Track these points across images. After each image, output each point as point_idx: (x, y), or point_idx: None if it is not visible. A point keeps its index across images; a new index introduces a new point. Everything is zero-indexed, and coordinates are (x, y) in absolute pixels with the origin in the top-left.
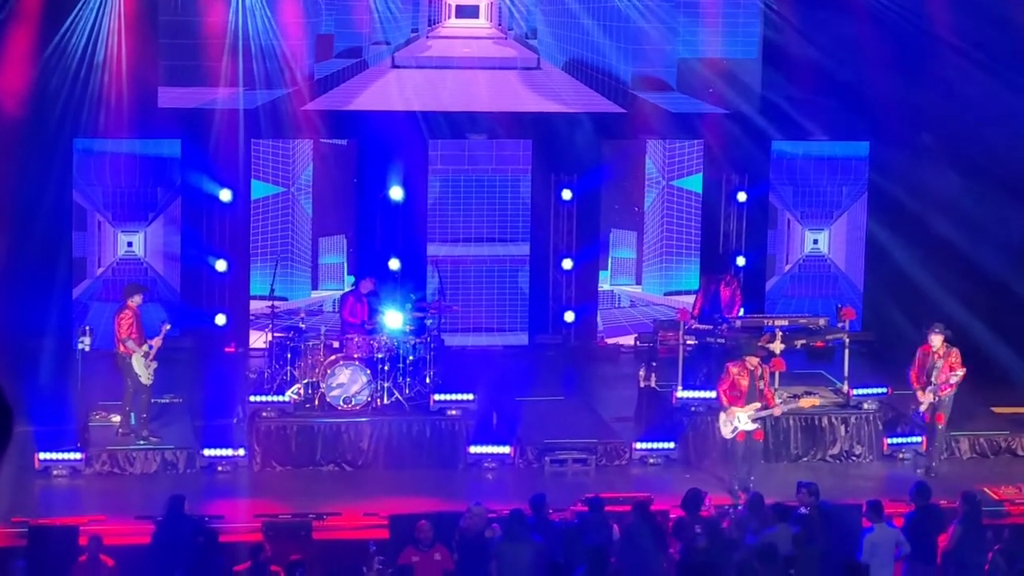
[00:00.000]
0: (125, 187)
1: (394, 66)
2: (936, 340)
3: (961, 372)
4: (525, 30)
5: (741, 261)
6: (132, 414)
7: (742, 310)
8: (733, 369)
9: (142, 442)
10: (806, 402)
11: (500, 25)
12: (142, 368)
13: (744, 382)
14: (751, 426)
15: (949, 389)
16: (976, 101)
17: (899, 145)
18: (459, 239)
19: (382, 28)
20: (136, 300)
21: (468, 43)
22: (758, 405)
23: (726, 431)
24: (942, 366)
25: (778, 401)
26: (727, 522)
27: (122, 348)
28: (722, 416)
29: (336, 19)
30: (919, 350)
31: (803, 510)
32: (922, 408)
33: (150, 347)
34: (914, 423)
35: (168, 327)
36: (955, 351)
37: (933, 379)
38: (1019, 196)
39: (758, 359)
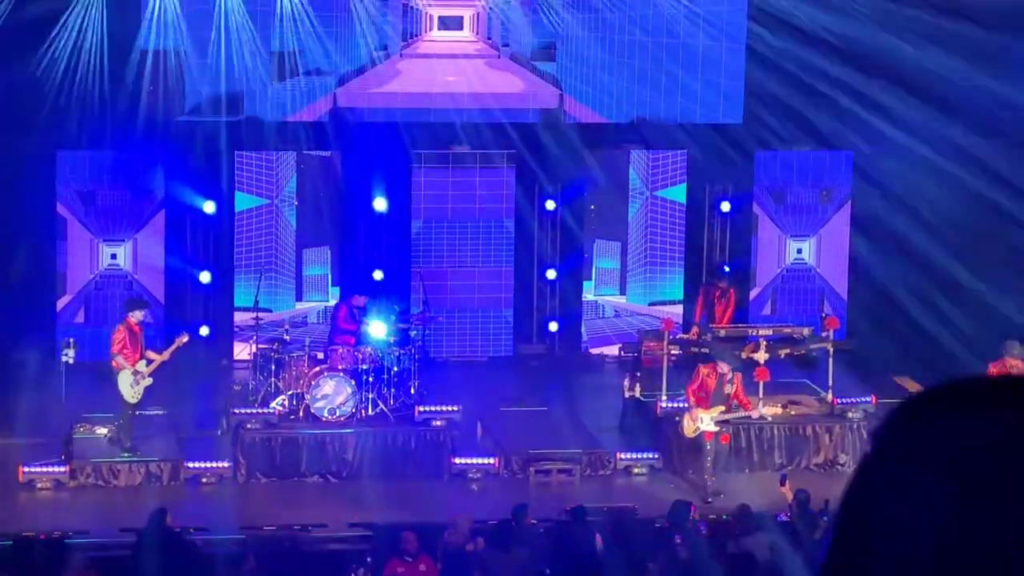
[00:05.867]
0: (109, 199)
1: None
2: (1014, 357)
3: None
4: (532, 47)
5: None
6: (116, 426)
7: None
8: (703, 370)
9: (126, 454)
10: (769, 410)
11: (490, 40)
12: (126, 387)
13: (711, 383)
14: (713, 427)
15: None
16: (961, 109)
17: (883, 154)
18: (443, 264)
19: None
20: (136, 316)
21: (453, 65)
22: (722, 408)
23: (688, 430)
24: None
25: (760, 407)
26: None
27: (113, 363)
28: (686, 416)
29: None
30: (992, 366)
31: (783, 516)
32: None
33: (149, 362)
34: None
35: (184, 340)
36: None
37: None
38: (1003, 207)
39: (729, 367)
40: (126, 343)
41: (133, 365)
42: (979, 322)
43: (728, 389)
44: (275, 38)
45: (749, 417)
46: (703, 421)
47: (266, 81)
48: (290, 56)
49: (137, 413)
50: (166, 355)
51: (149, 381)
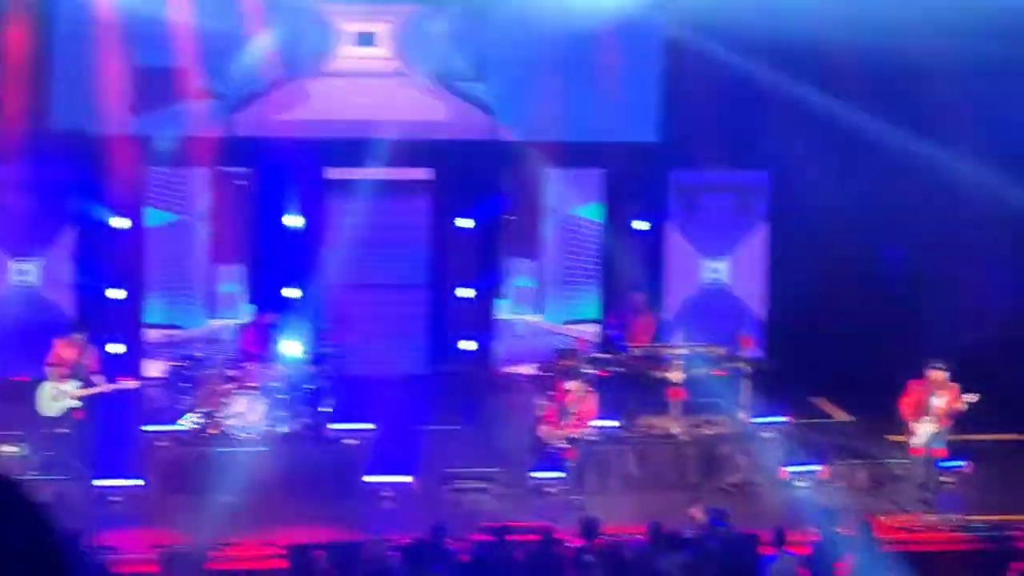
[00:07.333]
0: (18, 215)
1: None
2: (938, 376)
3: (972, 397)
4: (465, 69)
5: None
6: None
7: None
8: (558, 388)
9: (36, 472)
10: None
11: (406, 58)
12: (46, 399)
13: (561, 399)
14: (564, 444)
15: (948, 422)
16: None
17: (798, 174)
18: (358, 283)
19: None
20: (76, 337)
21: (368, 86)
22: (569, 424)
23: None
24: (948, 399)
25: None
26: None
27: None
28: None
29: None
30: (912, 384)
31: (687, 534)
32: (916, 440)
33: (90, 385)
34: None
35: (135, 385)
36: (956, 386)
37: (931, 411)
38: (911, 223)
39: (576, 382)
40: (59, 357)
41: (60, 380)
42: (900, 342)
43: (572, 408)
44: (163, 56)
45: (575, 436)
46: (555, 438)
47: (163, 104)
48: (177, 76)
49: (54, 431)
50: (109, 387)
51: (77, 404)
